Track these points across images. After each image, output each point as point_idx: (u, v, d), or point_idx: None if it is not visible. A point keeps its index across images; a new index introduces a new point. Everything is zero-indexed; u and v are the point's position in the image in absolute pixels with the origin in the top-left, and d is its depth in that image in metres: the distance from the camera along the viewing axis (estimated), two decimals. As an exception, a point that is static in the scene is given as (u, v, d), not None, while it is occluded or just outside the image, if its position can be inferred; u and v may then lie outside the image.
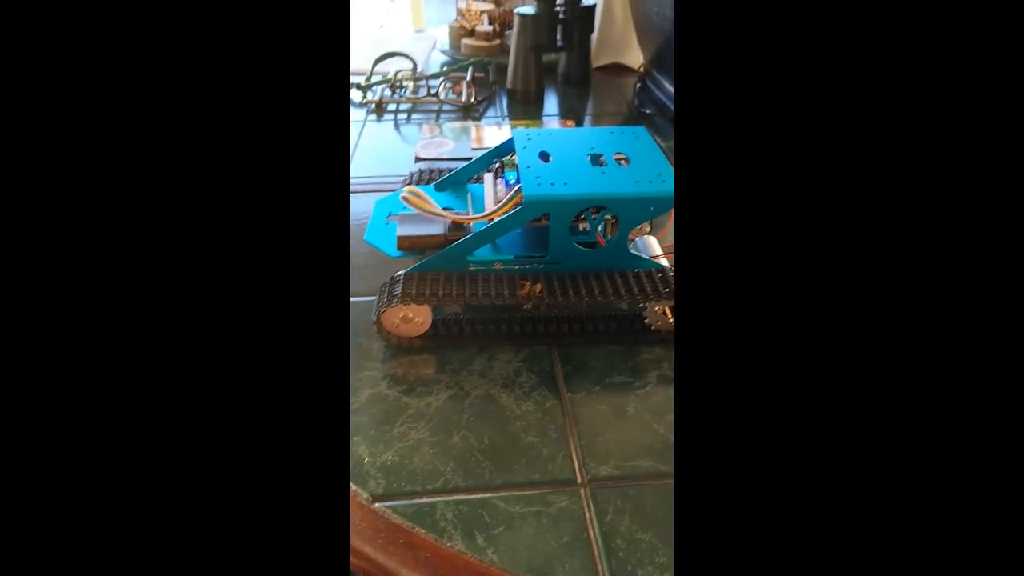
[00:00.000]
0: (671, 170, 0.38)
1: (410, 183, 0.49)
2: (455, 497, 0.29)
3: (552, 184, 0.37)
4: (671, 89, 0.73)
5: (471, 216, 0.39)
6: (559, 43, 0.75)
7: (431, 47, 0.90)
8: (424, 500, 0.29)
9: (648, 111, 0.73)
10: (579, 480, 0.30)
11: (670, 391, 0.35)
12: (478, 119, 0.71)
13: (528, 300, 0.36)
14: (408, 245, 0.39)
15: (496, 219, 0.37)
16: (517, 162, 0.40)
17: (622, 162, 0.40)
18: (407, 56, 0.79)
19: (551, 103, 0.76)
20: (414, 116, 0.72)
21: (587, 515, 0.29)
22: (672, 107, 0.71)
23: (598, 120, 0.73)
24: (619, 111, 0.75)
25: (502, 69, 0.78)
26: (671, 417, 0.34)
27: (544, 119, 0.73)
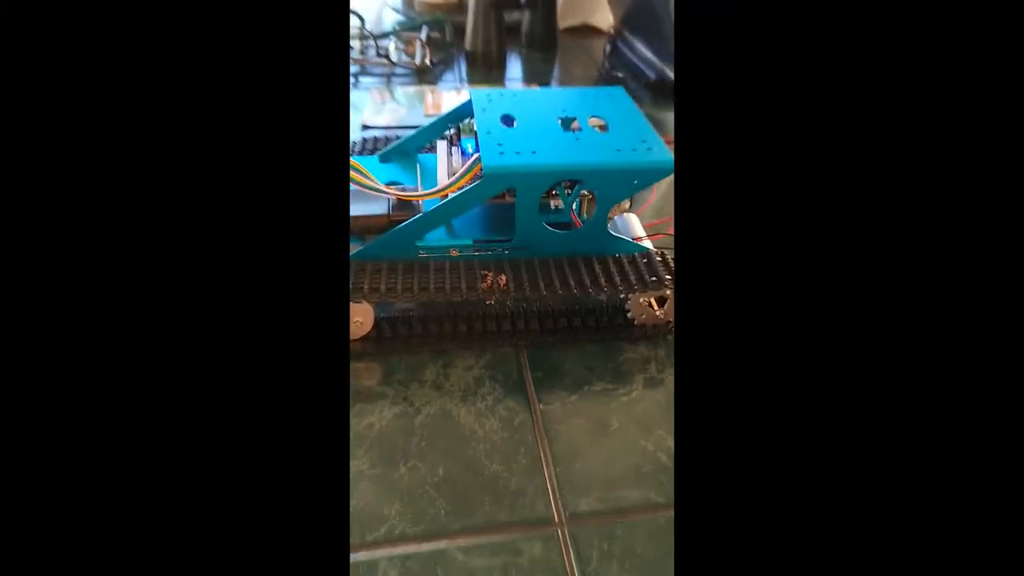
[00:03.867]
0: (656, 136, 0.33)
1: (353, 154, 0.42)
2: (401, 549, 0.23)
3: (518, 153, 0.31)
4: (644, 51, 0.67)
5: (420, 193, 0.32)
6: (522, 1, 0.68)
7: (381, 3, 0.82)
8: (362, 555, 0.23)
9: (620, 75, 0.67)
10: (555, 519, 0.25)
11: (658, 397, 0.30)
12: (434, 84, 0.64)
13: (491, 294, 0.30)
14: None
15: (450, 195, 0.31)
16: (476, 128, 0.34)
17: (598, 128, 0.34)
18: (354, 12, 0.71)
19: (514, 67, 0.70)
20: (362, 79, 0.64)
21: (566, 564, 0.23)
22: (645, 70, 0.65)
23: (565, 86, 0.67)
24: (587, 75, 0.69)
25: (460, 29, 0.71)
26: (661, 432, 0.28)
27: (507, 84, 0.66)
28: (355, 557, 0.23)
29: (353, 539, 0.24)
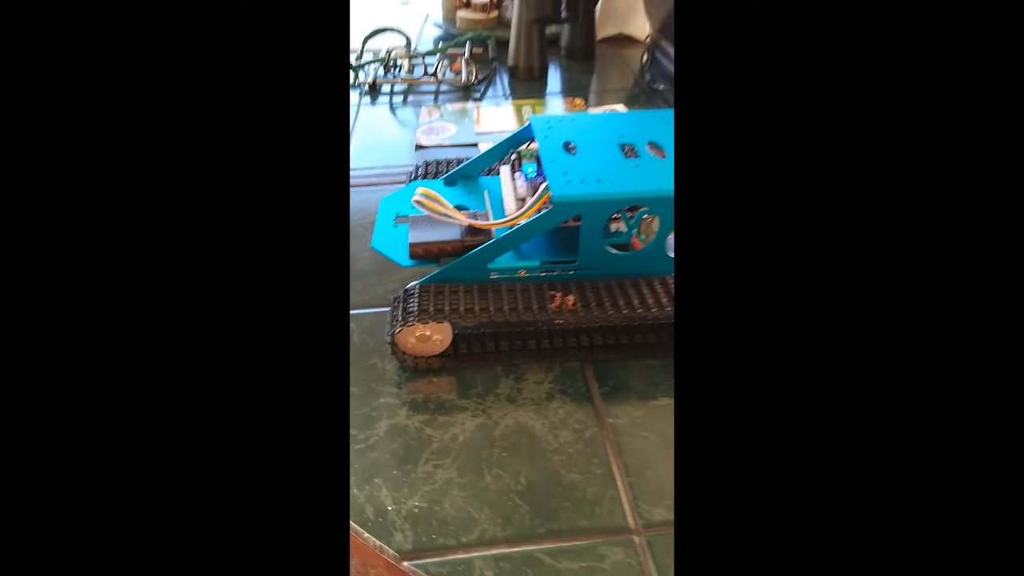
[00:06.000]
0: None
1: (415, 177, 0.44)
2: (494, 551, 0.26)
3: (583, 181, 0.33)
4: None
5: (493, 222, 0.35)
6: (563, 15, 0.69)
7: (423, 20, 0.85)
8: (459, 556, 0.26)
9: (661, 86, 0.68)
10: (632, 526, 0.27)
11: (720, 412, 0.32)
12: (479, 99, 0.66)
13: (561, 314, 0.33)
14: (422, 253, 0.35)
15: (521, 223, 0.33)
16: (538, 154, 0.36)
17: (656, 152, 0.36)
18: (400, 32, 0.74)
19: (554, 80, 0.71)
20: (410, 97, 0.67)
21: (648, 570, 0.25)
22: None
23: (603, 96, 0.69)
24: (623, 87, 0.70)
25: (502, 44, 0.73)
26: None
27: (547, 98, 0.68)
28: (452, 557, 0.26)
29: (448, 541, 0.26)
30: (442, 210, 0.34)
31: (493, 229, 0.35)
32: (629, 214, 0.34)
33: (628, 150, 0.36)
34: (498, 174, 0.43)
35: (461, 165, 0.42)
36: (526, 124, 0.40)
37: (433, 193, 0.34)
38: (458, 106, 0.64)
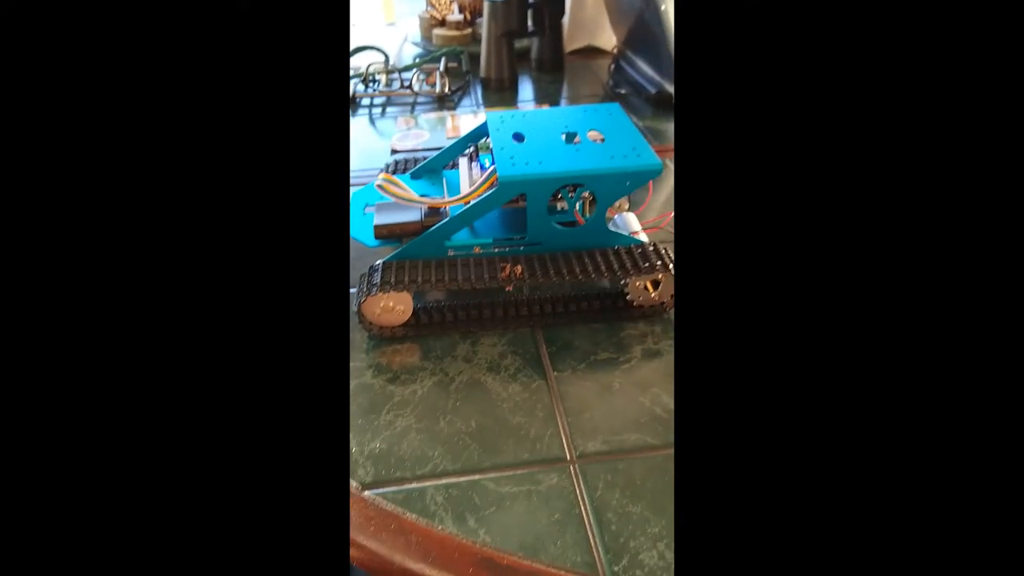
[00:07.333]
0: (646, 144, 0.38)
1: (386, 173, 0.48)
2: (444, 481, 0.29)
3: (527, 164, 0.37)
4: (645, 69, 0.73)
5: (446, 200, 0.39)
6: (530, 28, 0.74)
7: (403, 40, 0.90)
8: (414, 485, 0.29)
9: (623, 91, 0.73)
10: (568, 457, 0.30)
11: (654, 364, 0.35)
12: (453, 109, 0.71)
13: (509, 282, 0.36)
14: (386, 233, 0.39)
15: (472, 201, 0.37)
16: (491, 145, 0.40)
17: (597, 139, 0.40)
18: (379, 49, 0.79)
19: (526, 89, 0.76)
20: (389, 109, 0.71)
21: (577, 491, 0.29)
22: (646, 85, 0.71)
23: (573, 103, 0.73)
24: (594, 93, 0.75)
25: (475, 58, 0.78)
26: (656, 390, 0.34)
27: (519, 105, 0.73)
28: (407, 487, 0.29)
29: (404, 474, 0.29)
30: (402, 193, 0.38)
31: (448, 209, 0.38)
32: (571, 192, 0.38)
33: (571, 137, 0.40)
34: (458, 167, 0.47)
35: (425, 160, 0.46)
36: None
37: (393, 178, 0.38)
38: (433, 115, 0.69)
